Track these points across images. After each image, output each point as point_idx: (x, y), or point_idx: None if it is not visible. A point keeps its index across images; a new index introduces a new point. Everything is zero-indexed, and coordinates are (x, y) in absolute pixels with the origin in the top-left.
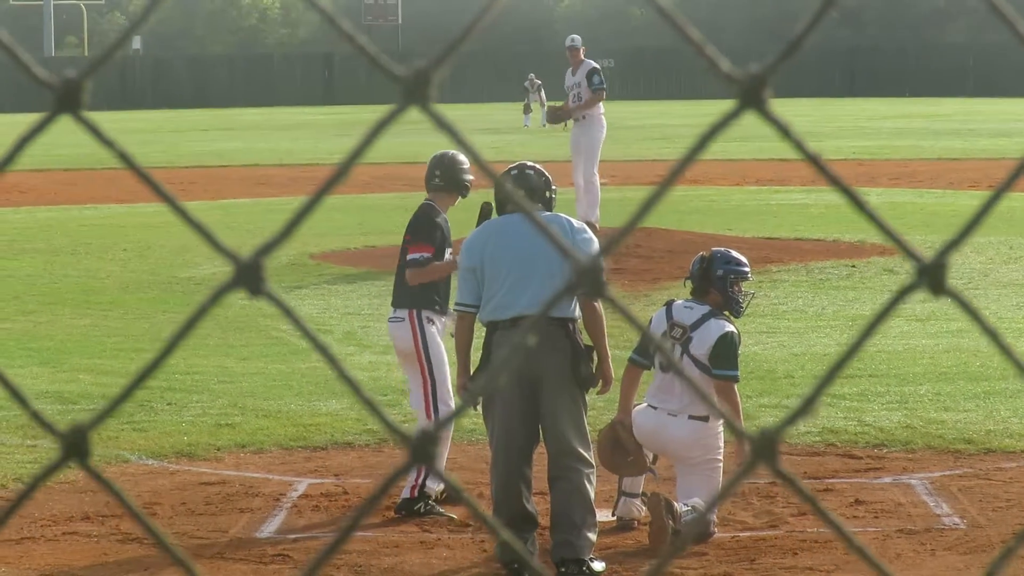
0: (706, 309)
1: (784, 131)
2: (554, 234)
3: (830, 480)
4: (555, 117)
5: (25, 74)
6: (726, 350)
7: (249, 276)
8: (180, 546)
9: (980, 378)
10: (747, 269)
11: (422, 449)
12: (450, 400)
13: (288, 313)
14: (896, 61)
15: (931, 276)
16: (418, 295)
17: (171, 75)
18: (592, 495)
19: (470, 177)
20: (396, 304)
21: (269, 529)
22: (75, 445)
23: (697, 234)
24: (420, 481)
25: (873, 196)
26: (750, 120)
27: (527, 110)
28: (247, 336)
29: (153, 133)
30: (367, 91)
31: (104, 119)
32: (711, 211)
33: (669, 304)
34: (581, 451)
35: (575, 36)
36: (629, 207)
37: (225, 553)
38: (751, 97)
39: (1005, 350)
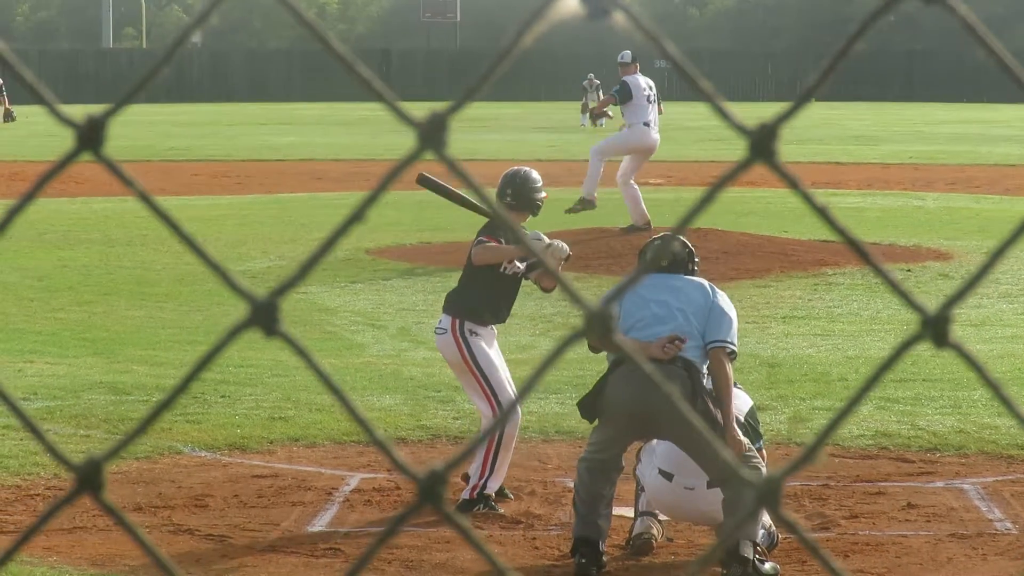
0: None
1: (793, 184)
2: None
3: (882, 483)
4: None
5: (50, 113)
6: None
7: (263, 316)
8: (231, 539)
9: None
10: None
11: (430, 488)
12: (512, 398)
13: (302, 353)
14: (954, 66)
15: (934, 328)
16: (462, 304)
17: (229, 69)
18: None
19: (542, 195)
20: (443, 309)
21: (321, 523)
22: (89, 478)
23: (752, 235)
24: (480, 483)
25: (929, 201)
26: (803, 123)
27: (584, 109)
28: (301, 330)
29: (210, 126)
30: (424, 87)
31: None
32: (767, 213)
33: None
34: (726, 469)
35: (626, 52)
36: (683, 209)
37: (277, 546)
38: (761, 149)
39: (1007, 403)
